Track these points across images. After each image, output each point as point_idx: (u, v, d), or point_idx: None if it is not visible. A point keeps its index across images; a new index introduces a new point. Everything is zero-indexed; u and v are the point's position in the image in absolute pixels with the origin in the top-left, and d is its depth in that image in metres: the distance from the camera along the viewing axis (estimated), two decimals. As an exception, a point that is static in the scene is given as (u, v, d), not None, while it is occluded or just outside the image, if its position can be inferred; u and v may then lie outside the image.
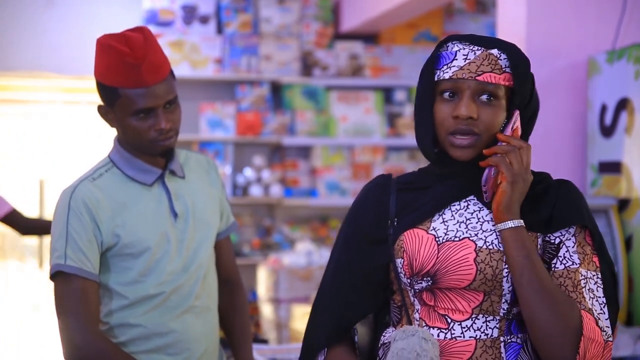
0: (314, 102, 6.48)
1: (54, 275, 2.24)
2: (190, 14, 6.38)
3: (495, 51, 1.78)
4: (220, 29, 6.47)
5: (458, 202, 1.82)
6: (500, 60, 1.78)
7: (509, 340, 1.77)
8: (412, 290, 1.81)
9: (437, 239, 1.78)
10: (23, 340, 6.97)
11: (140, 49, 2.21)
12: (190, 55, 6.30)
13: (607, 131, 3.41)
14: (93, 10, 6.40)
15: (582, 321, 1.69)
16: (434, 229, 1.80)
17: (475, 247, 1.76)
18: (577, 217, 1.78)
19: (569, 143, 3.61)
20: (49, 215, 6.55)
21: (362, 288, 1.85)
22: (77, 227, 2.23)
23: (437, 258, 1.77)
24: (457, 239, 1.78)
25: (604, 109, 3.43)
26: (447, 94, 1.78)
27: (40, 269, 7.02)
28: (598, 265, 1.78)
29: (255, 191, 6.33)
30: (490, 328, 1.76)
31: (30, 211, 6.72)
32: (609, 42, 3.60)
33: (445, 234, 1.79)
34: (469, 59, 1.76)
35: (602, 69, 3.45)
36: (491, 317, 1.76)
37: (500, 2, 3.81)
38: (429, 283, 1.78)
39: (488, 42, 1.79)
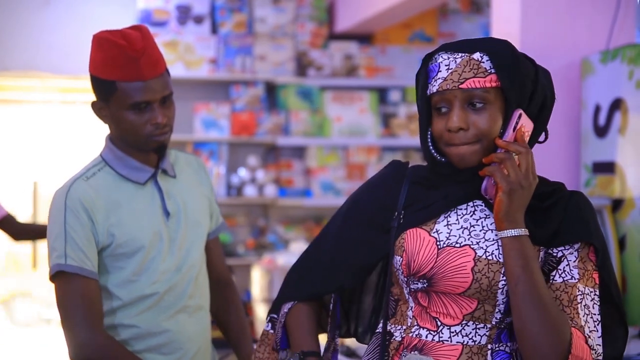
0: (308, 102, 6.47)
1: (55, 276, 2.22)
2: (184, 14, 6.37)
3: (477, 55, 1.73)
4: (214, 29, 6.46)
5: (465, 206, 1.80)
6: (483, 62, 1.73)
7: (497, 349, 1.76)
8: (408, 288, 1.81)
9: (438, 243, 1.77)
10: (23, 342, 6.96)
11: (139, 43, 2.22)
12: (184, 55, 6.29)
13: (601, 131, 3.41)
14: (88, 10, 6.38)
15: (572, 338, 1.67)
16: (436, 231, 1.79)
17: (475, 256, 1.74)
18: (583, 234, 1.75)
19: (562, 143, 3.61)
20: (41, 217, 6.53)
21: (347, 265, 1.89)
22: (75, 226, 2.22)
23: (435, 262, 1.76)
24: (458, 245, 1.76)
25: (597, 109, 3.43)
26: (440, 107, 1.76)
27: (33, 270, 7.01)
28: (597, 282, 1.75)
29: (250, 191, 6.32)
30: (479, 335, 1.75)
31: (23, 213, 6.70)
32: (603, 42, 3.60)
33: (447, 239, 1.77)
34: (451, 69, 1.73)
35: (596, 69, 3.46)
36: (482, 325, 1.75)
37: (495, 3, 3.81)
38: (425, 285, 1.78)
39: (474, 45, 1.75)
